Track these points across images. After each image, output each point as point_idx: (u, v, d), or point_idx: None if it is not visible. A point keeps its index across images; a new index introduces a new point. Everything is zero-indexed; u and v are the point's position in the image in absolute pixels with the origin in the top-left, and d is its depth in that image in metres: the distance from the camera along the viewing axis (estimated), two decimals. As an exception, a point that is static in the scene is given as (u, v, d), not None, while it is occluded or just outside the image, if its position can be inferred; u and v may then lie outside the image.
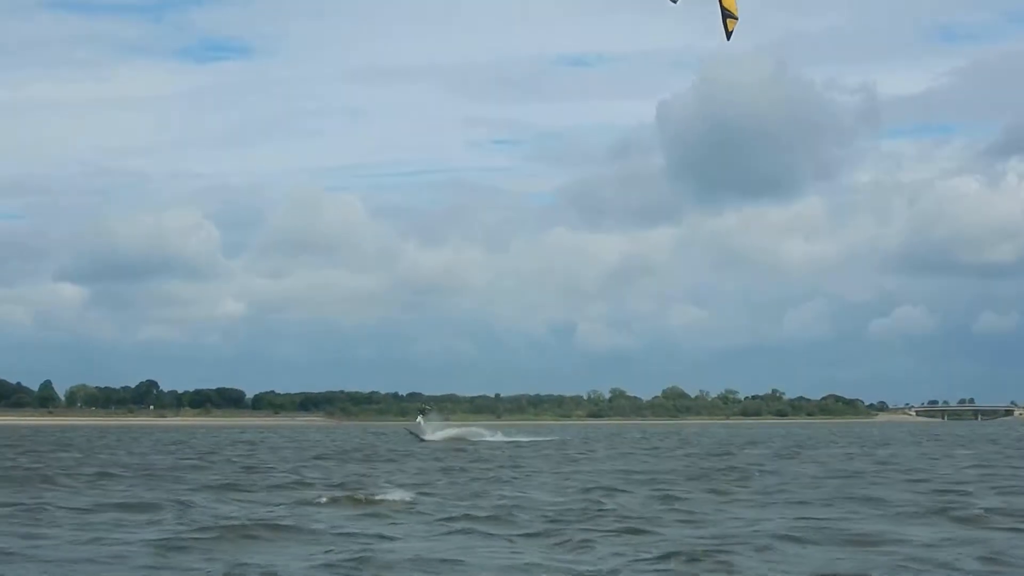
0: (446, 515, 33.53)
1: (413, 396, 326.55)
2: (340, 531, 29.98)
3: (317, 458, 74.48)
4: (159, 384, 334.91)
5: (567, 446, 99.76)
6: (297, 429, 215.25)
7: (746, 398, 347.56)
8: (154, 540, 27.76)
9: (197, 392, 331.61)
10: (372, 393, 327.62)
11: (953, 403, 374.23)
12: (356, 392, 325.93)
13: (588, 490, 43.11)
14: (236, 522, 31.27)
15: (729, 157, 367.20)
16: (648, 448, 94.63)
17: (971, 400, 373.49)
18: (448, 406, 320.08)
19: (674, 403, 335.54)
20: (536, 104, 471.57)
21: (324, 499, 38.46)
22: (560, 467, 61.98)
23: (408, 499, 38.25)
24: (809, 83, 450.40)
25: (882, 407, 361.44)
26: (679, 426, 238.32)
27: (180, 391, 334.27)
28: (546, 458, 73.75)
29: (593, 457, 75.92)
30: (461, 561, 24.68)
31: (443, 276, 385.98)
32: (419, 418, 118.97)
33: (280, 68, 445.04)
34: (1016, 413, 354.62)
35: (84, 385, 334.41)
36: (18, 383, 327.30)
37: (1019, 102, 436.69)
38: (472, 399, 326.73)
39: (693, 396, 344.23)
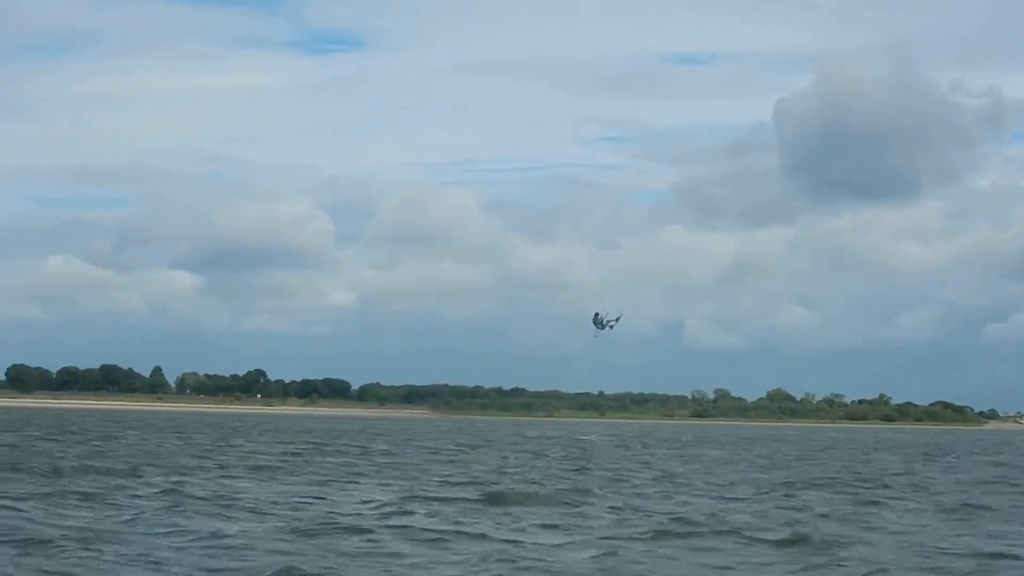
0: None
1: (516, 391, 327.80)
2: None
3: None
4: (267, 373, 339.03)
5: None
6: (408, 421, 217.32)
7: (852, 402, 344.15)
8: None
9: (304, 382, 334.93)
10: (476, 387, 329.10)
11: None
12: (460, 386, 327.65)
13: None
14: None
15: (846, 158, 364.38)
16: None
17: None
18: (552, 402, 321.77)
19: (779, 405, 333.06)
20: (648, 101, 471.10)
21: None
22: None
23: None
24: (933, 85, 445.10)
25: (992, 415, 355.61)
26: (784, 428, 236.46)
27: (287, 380, 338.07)
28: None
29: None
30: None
31: (551, 272, 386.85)
32: None
33: (391, 61, 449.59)
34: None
35: (194, 372, 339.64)
36: (130, 368, 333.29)
37: None
38: (575, 395, 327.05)
39: (799, 398, 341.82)
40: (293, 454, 70.73)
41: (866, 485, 51.47)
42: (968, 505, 43.13)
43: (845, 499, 44.32)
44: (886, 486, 52.85)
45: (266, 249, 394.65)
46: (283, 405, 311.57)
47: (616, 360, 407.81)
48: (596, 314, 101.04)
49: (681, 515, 36.81)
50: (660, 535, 31.72)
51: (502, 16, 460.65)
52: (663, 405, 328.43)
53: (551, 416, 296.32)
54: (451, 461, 68.31)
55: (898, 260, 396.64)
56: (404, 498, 40.62)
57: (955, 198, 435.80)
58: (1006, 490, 53.03)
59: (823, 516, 38.04)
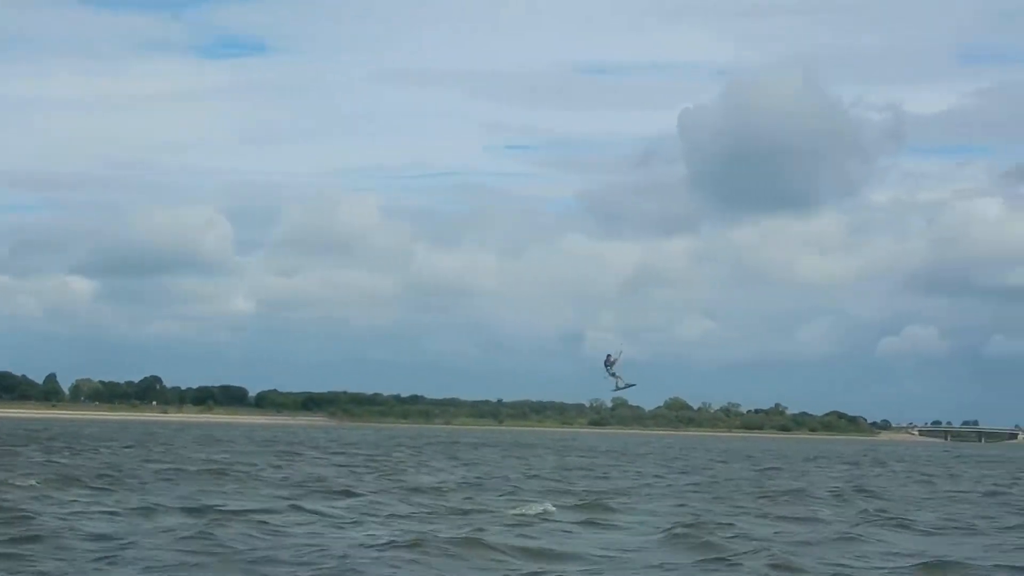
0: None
1: (415, 399, 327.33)
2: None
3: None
4: (163, 380, 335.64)
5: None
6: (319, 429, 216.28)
7: (748, 412, 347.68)
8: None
9: (200, 389, 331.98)
10: (375, 395, 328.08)
11: (956, 424, 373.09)
12: (359, 393, 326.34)
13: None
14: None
15: (750, 170, 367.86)
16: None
17: (975, 422, 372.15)
18: (451, 410, 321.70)
19: (676, 414, 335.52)
20: (556, 110, 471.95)
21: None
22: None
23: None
24: (836, 100, 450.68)
25: (885, 425, 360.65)
26: (684, 438, 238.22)
27: (183, 387, 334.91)
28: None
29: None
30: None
31: (455, 280, 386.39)
32: None
33: (298, 68, 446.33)
34: (1020, 437, 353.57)
35: (88, 379, 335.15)
36: (23, 376, 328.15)
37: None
38: (474, 403, 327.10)
39: (696, 408, 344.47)
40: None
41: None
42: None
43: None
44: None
45: (166, 255, 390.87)
46: (179, 413, 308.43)
47: (517, 369, 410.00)
48: (608, 355, 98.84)
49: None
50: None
51: (412, 24, 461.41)
52: (561, 414, 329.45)
53: (449, 424, 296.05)
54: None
55: (798, 272, 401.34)
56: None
57: (855, 211, 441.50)
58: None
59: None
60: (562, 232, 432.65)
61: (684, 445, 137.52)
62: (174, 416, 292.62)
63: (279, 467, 62.95)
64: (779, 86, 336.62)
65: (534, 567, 26.93)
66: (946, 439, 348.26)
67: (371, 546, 28.54)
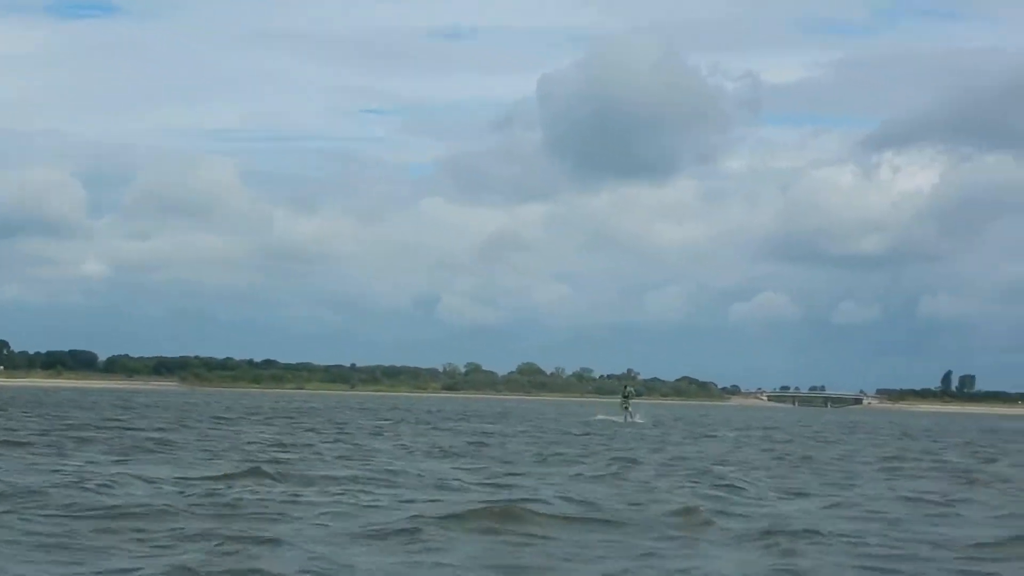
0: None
1: (268, 363, 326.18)
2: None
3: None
4: (10, 344, 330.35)
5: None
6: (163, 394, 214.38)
7: (601, 377, 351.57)
8: None
9: (49, 354, 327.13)
10: (227, 359, 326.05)
11: (804, 390, 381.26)
12: (211, 357, 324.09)
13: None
14: None
15: (608, 137, 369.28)
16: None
17: (822, 388, 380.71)
18: (304, 375, 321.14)
19: (529, 379, 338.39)
20: (414, 75, 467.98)
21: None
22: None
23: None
24: (693, 68, 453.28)
25: (735, 391, 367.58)
26: (537, 402, 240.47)
27: (32, 352, 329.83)
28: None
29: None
30: None
31: (312, 245, 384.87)
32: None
33: (155, 29, 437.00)
34: (865, 402, 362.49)
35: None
36: None
37: (896, 96, 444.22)
38: (327, 368, 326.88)
39: (549, 373, 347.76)
40: None
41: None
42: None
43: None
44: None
45: (15, 218, 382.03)
46: (26, 378, 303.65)
47: (372, 334, 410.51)
48: (624, 385, 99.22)
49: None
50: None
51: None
52: (415, 378, 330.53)
53: (302, 388, 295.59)
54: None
55: (653, 239, 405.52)
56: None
57: (710, 179, 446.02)
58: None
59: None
60: (420, 197, 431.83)
61: (539, 411, 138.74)
62: (22, 381, 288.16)
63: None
64: (637, 53, 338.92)
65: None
66: (794, 404, 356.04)
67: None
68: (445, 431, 62.71)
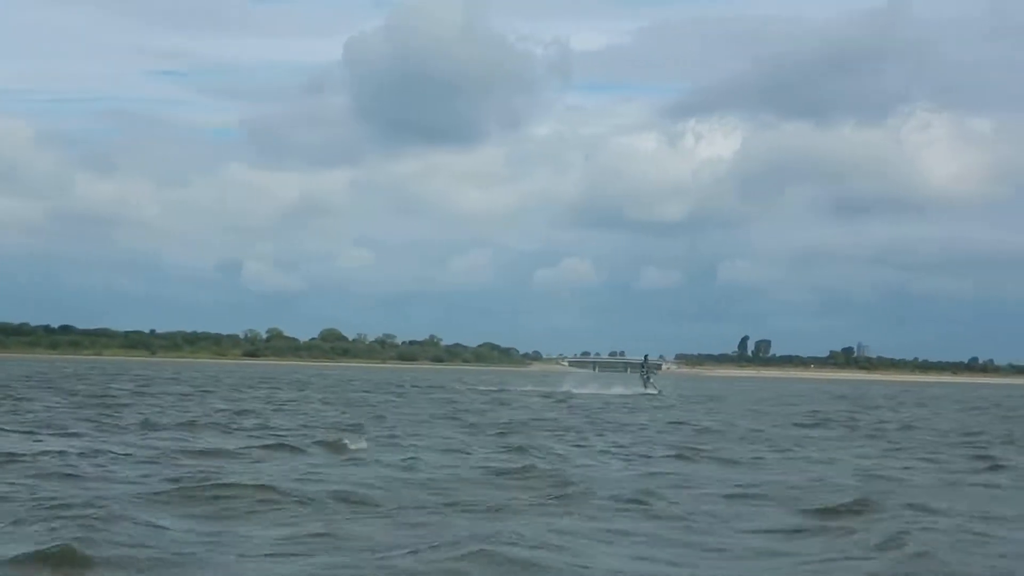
0: None
1: (66, 328, 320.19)
2: None
3: None
4: None
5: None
6: None
7: (404, 343, 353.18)
8: None
9: None
10: (22, 325, 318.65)
11: (605, 355, 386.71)
12: (6, 323, 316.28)
13: None
14: None
15: (415, 102, 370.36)
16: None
17: (622, 353, 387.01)
18: (103, 340, 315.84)
19: (331, 345, 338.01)
20: (216, 37, 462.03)
21: None
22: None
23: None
24: (502, 33, 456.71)
25: (536, 356, 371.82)
26: (342, 369, 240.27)
27: None
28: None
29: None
30: None
31: (111, 209, 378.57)
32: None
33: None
34: (664, 367, 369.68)
35: None
36: None
37: (700, 65, 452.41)
38: (126, 334, 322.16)
39: (351, 339, 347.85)
40: None
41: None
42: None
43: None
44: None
45: None
46: None
47: (173, 300, 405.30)
48: (646, 356, 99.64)
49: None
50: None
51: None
52: (216, 344, 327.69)
53: (100, 355, 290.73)
54: None
55: (459, 205, 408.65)
56: None
57: (517, 145, 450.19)
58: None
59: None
60: (223, 161, 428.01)
61: (342, 377, 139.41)
62: None
63: None
64: (444, 17, 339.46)
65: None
66: (594, 369, 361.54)
67: None
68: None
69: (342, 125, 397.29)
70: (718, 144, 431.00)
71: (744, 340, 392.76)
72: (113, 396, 64.69)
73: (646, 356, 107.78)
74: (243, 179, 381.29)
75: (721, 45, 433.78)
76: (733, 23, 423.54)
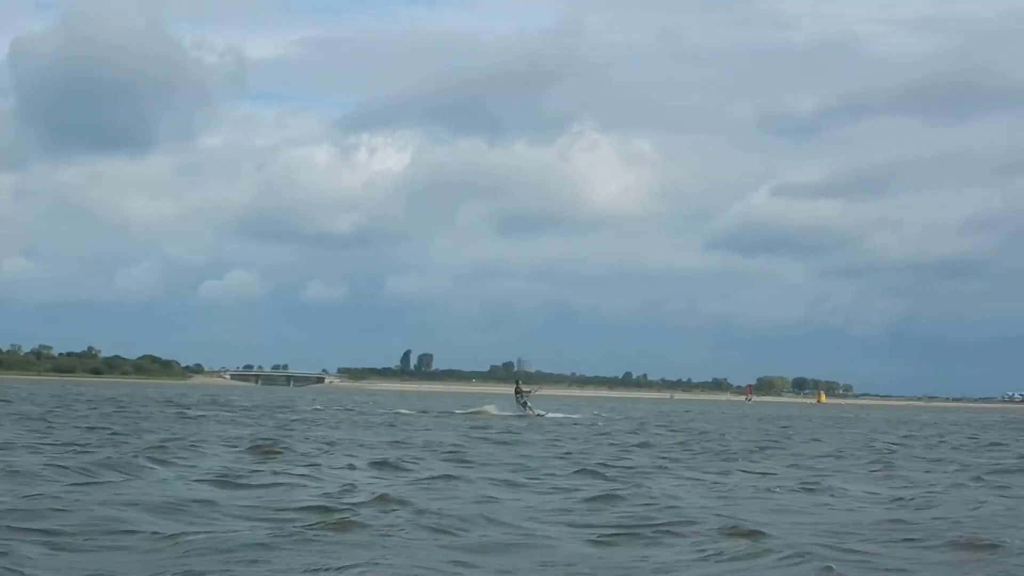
0: None
1: None
2: None
3: None
4: None
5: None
6: None
7: (60, 354, 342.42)
8: None
9: None
10: None
11: (268, 368, 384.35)
12: None
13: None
14: None
15: (84, 107, 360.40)
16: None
17: (285, 366, 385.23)
18: None
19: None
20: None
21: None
22: None
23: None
24: (176, 40, 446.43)
25: (198, 369, 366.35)
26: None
27: None
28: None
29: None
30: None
31: None
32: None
33: None
34: (327, 380, 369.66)
35: None
36: None
37: (374, 78, 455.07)
38: None
39: (5, 350, 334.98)
40: None
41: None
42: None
43: None
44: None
45: None
46: None
47: None
48: (518, 382, 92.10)
49: None
50: None
51: None
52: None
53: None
54: None
55: (125, 214, 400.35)
56: None
57: (188, 154, 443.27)
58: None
59: None
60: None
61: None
62: None
63: None
64: (117, 21, 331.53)
65: None
66: (257, 383, 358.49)
67: None
68: None
69: (5, 129, 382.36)
70: (391, 158, 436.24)
71: (407, 354, 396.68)
72: None
73: (518, 381, 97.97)
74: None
75: (398, 59, 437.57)
76: (411, 37, 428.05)
